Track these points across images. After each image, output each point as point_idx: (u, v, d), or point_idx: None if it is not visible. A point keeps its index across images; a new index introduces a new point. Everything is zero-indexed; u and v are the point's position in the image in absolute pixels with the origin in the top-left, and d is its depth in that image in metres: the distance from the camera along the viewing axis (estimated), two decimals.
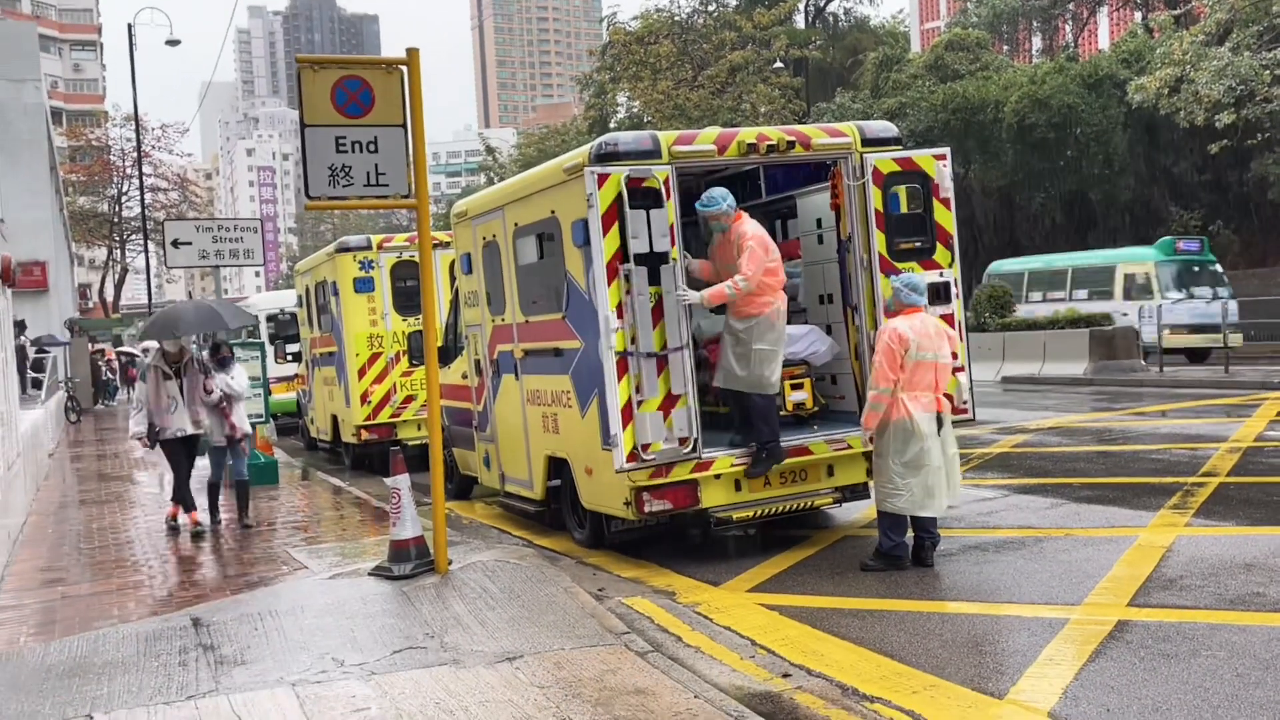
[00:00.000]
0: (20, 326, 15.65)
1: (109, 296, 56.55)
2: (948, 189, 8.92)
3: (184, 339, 11.27)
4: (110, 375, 36.48)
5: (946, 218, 8.90)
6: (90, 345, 36.14)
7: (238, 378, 11.47)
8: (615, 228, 7.94)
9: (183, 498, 11.17)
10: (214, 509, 11.40)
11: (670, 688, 5.67)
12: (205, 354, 11.86)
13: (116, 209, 53.02)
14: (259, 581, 8.65)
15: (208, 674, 6.27)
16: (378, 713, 5.50)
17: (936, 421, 7.83)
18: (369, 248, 15.16)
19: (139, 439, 11.11)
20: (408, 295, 14.94)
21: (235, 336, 16.18)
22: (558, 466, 9.47)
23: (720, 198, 8.51)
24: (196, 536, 10.77)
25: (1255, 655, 5.71)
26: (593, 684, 5.76)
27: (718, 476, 8.37)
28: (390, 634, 6.87)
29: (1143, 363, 22.56)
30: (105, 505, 13.58)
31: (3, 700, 6.01)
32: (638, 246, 7.92)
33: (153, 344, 41.39)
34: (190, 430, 11.01)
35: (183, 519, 11.23)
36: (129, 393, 41.55)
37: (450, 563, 8.44)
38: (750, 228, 8.50)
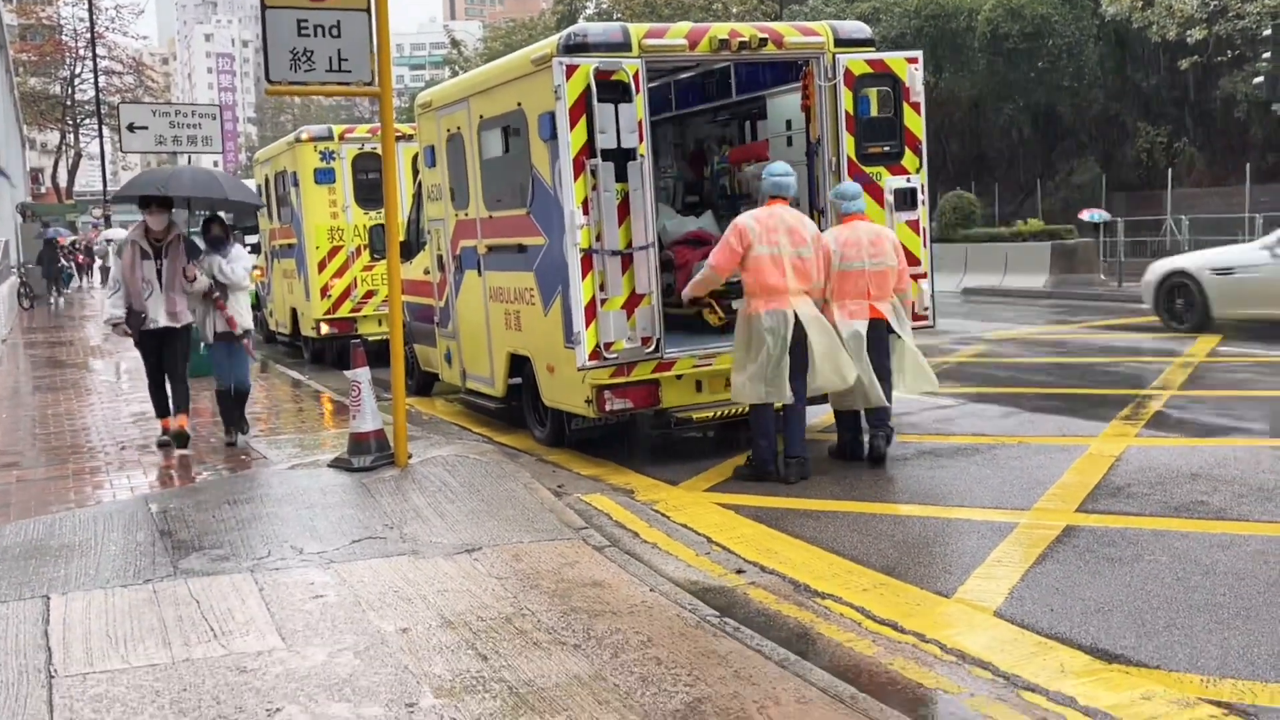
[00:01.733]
0: None
1: (62, 182, 55.30)
2: (918, 93, 8.84)
3: (171, 213, 9.27)
4: (65, 262, 35.82)
5: (916, 123, 8.83)
6: (42, 229, 35.42)
7: (236, 263, 9.30)
8: (582, 121, 7.80)
9: (156, 401, 9.55)
10: (230, 419, 9.60)
11: (626, 581, 5.75)
12: (195, 232, 10.26)
13: (69, 91, 51.55)
14: (217, 471, 8.64)
15: (165, 559, 6.28)
16: (335, 598, 5.54)
17: (870, 328, 7.90)
18: (330, 138, 14.86)
19: (117, 326, 9.25)
20: (369, 188, 14.71)
21: (238, 221, 14.23)
22: (519, 364, 9.46)
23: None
24: (166, 445, 9.41)
25: (1196, 560, 5.87)
26: (550, 576, 5.83)
27: (679, 377, 8.40)
28: (349, 524, 6.90)
29: (1102, 277, 22.77)
30: (60, 392, 13.45)
31: None
32: (605, 142, 7.80)
33: (117, 233, 40.03)
34: (164, 322, 9.10)
35: (174, 427, 9.44)
36: (84, 281, 40.67)
37: (410, 457, 8.45)
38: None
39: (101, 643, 5.07)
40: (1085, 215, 23.97)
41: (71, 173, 56.10)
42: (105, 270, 40.84)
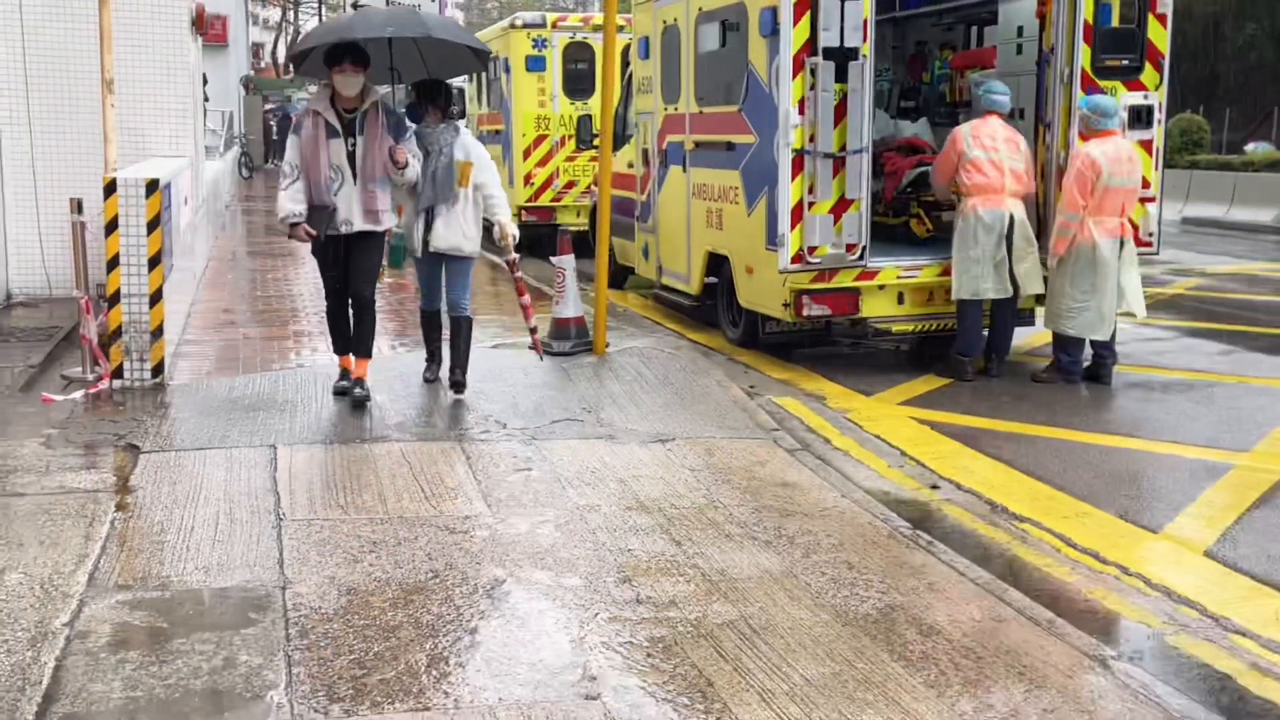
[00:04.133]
0: (203, 81, 16.05)
1: (280, 58, 57.47)
2: (1166, 3, 8.28)
3: (368, 73, 6.72)
4: (279, 134, 37.46)
5: (1160, 36, 8.29)
6: (262, 104, 37.01)
7: (468, 153, 6.93)
8: (806, 17, 7.62)
9: (335, 331, 7.18)
10: (435, 352, 7.54)
11: (818, 485, 5.77)
12: (404, 103, 7.92)
13: None
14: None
15: (379, 424, 6.62)
16: (537, 473, 5.75)
17: (1119, 246, 7.74)
18: (544, 25, 14.95)
19: (296, 226, 6.66)
20: (578, 78, 14.79)
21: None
22: (717, 263, 9.45)
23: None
24: (343, 394, 7.04)
25: None
26: (742, 473, 5.90)
27: (881, 287, 8.25)
28: (550, 404, 7.10)
29: None
30: (278, 259, 14.18)
31: (195, 424, 6.48)
32: (828, 40, 7.60)
33: (299, 96, 40.39)
34: (359, 225, 6.69)
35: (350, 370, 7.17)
36: None
37: (607, 346, 8.61)
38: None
39: (323, 492, 5.41)
40: None
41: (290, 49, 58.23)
42: (279, 145, 36.45)
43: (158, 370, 7.30)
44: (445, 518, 5.08)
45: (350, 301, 6.97)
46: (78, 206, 7.46)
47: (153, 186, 7.15)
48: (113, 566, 4.44)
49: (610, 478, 5.75)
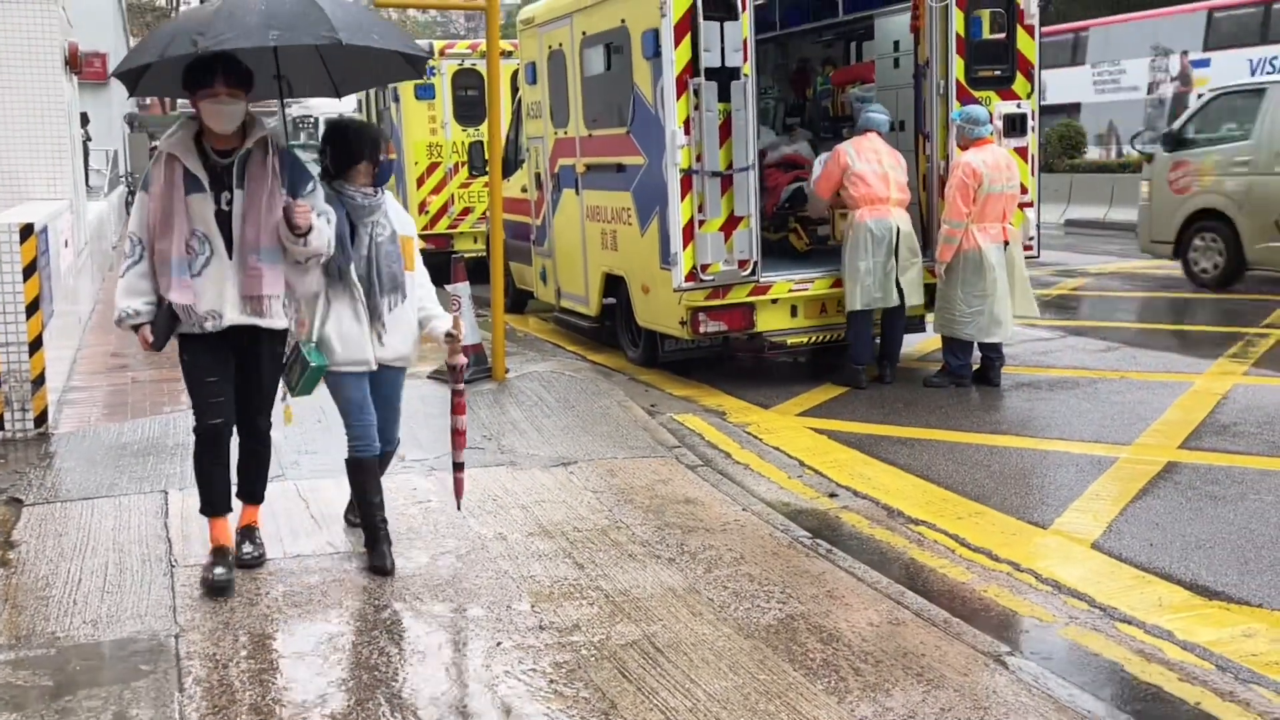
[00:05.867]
0: (83, 119, 15.66)
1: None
2: (1033, 15, 8.59)
3: (247, 96, 4.56)
4: None
5: (1029, 46, 8.58)
6: (149, 141, 36.21)
7: (403, 223, 4.93)
8: (687, 39, 7.73)
9: (206, 478, 4.82)
10: (366, 507, 4.98)
11: (719, 499, 5.82)
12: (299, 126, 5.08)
13: (174, 3, 52.28)
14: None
15: (272, 463, 6.49)
16: (437, 504, 5.70)
17: (1003, 250, 8.03)
18: (430, 54, 14.88)
19: (130, 326, 4.54)
20: (469, 105, 14.75)
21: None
22: (614, 284, 9.50)
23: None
24: (221, 585, 4.62)
25: None
26: (644, 491, 5.93)
27: (774, 301, 8.38)
28: (449, 434, 7.04)
29: None
30: None
31: (82, 474, 6.29)
32: (709, 60, 7.72)
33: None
34: (233, 317, 4.56)
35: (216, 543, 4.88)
36: None
37: (507, 371, 8.59)
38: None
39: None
40: None
41: None
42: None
43: (41, 420, 7.07)
44: (341, 554, 5.02)
45: (239, 432, 4.81)
46: None
47: (27, 231, 6.95)
48: None
49: (512, 504, 5.73)
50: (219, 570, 4.67)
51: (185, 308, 4.48)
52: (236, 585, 4.64)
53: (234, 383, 4.71)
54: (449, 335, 4.86)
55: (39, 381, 7.05)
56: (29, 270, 6.94)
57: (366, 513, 4.94)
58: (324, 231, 4.56)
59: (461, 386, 4.99)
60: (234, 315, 4.56)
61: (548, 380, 8.49)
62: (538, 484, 6.06)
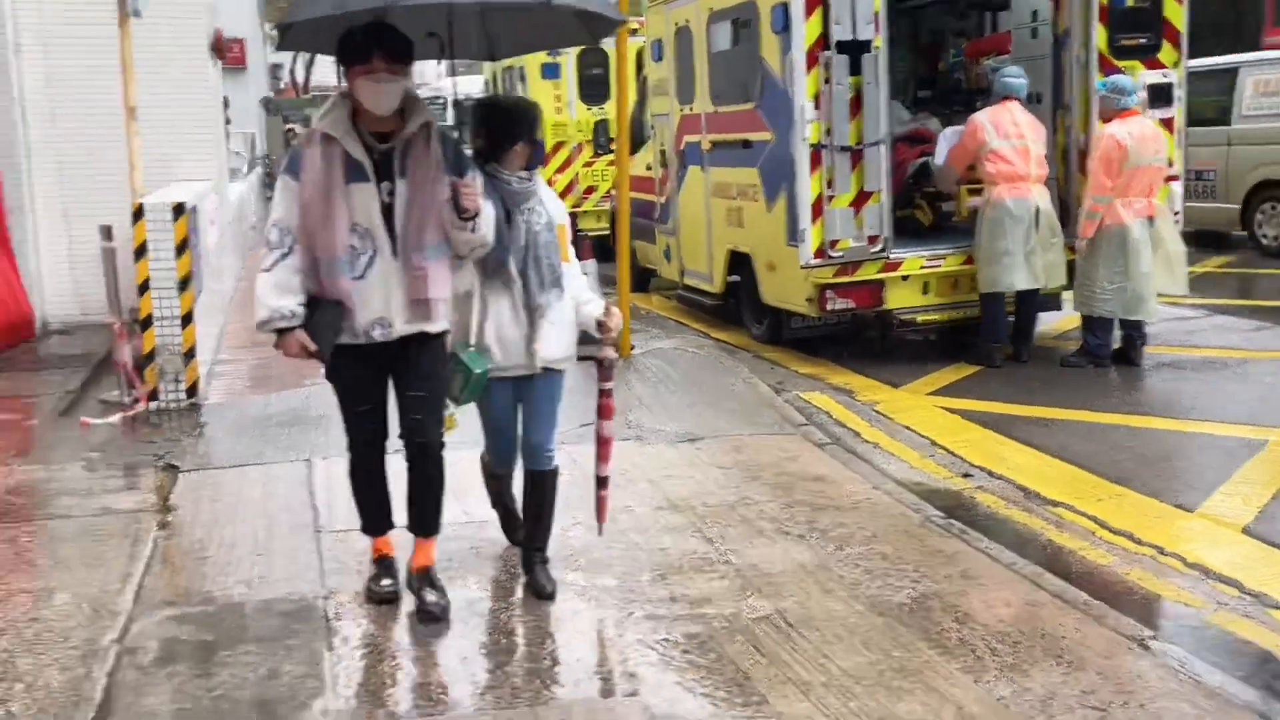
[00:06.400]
0: (224, 104, 16.21)
1: (299, 78, 57.99)
2: None
3: (410, 73, 4.09)
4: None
5: (1177, 12, 8.26)
6: (282, 124, 37.35)
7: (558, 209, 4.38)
8: (818, 12, 7.64)
9: (366, 499, 4.44)
10: (533, 541, 4.55)
11: (849, 478, 5.78)
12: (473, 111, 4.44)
13: None
14: None
15: None
16: (568, 476, 5.74)
17: (1149, 225, 7.73)
18: (625, 20, 14.95)
19: (285, 333, 3.97)
20: (594, 84, 14.82)
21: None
22: (739, 261, 9.47)
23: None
24: (387, 596, 4.34)
25: None
26: (771, 469, 5.92)
27: (905, 278, 8.25)
28: (577, 409, 7.09)
29: None
30: None
31: (231, 442, 6.57)
32: (840, 33, 7.62)
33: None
34: (404, 326, 4.04)
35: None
36: None
37: (633, 348, 8.66)
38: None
39: None
40: None
41: (308, 68, 58.75)
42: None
43: (192, 391, 7.40)
44: (478, 522, 5.13)
45: (406, 452, 4.23)
46: (107, 233, 7.58)
47: (179, 210, 7.26)
48: (157, 584, 4.53)
49: (640, 478, 5.78)
50: (385, 582, 4.32)
51: (340, 313, 3.94)
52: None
53: (388, 394, 4.21)
54: (600, 324, 4.26)
55: (190, 355, 7.36)
56: (181, 248, 7.25)
57: (509, 524, 4.77)
58: (492, 217, 4.04)
59: (610, 385, 4.34)
60: (403, 324, 4.00)
61: (672, 357, 8.53)
62: (664, 459, 6.11)
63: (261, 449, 6.39)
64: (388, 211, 3.95)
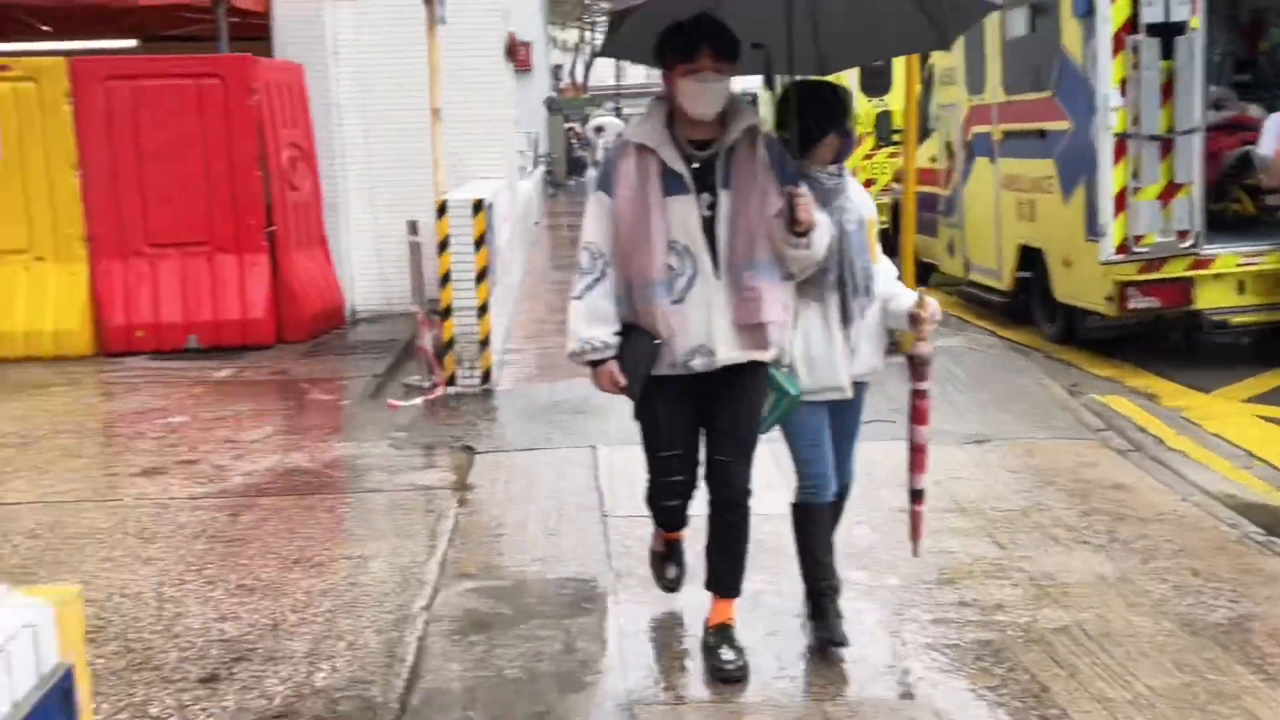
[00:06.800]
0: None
1: (578, 78, 60.12)
2: None
3: (734, 67, 3.56)
4: (582, 152, 39.10)
5: None
6: (563, 123, 38.75)
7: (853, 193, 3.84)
8: None
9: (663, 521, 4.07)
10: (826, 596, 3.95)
11: (1153, 487, 5.43)
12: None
13: None
14: None
15: None
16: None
17: None
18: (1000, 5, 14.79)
19: (589, 361, 3.65)
20: (875, 74, 14.55)
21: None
22: (1030, 256, 9.07)
23: None
24: (670, 589, 4.26)
25: None
26: (1067, 474, 5.64)
27: (1218, 276, 7.67)
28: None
29: None
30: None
31: (521, 427, 6.88)
32: (1151, 15, 7.15)
33: (611, 121, 40.14)
34: (729, 353, 3.58)
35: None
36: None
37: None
38: None
39: (642, 490, 5.60)
40: None
41: (587, 68, 60.85)
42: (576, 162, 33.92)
43: (486, 377, 7.80)
44: (760, 515, 5.13)
45: (710, 495, 3.79)
46: (413, 228, 8.10)
47: (478, 206, 7.66)
48: (459, 557, 4.80)
49: (926, 479, 5.62)
50: (671, 570, 4.15)
51: (666, 342, 3.54)
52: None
53: (699, 440, 3.75)
54: (913, 317, 3.76)
55: (485, 343, 7.77)
56: (479, 242, 7.65)
57: (812, 572, 3.92)
58: (827, 228, 3.57)
59: (925, 386, 3.85)
60: (729, 351, 3.55)
61: (957, 355, 8.27)
62: (952, 460, 5.92)
63: (550, 434, 6.65)
64: (708, 226, 3.55)
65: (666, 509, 3.91)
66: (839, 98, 3.82)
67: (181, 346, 9.15)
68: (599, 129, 36.95)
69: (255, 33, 10.61)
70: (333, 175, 10.63)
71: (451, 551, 4.84)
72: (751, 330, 3.56)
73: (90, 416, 7.37)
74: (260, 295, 9.33)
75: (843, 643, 3.79)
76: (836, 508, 4.03)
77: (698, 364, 3.56)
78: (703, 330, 3.54)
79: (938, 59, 10.80)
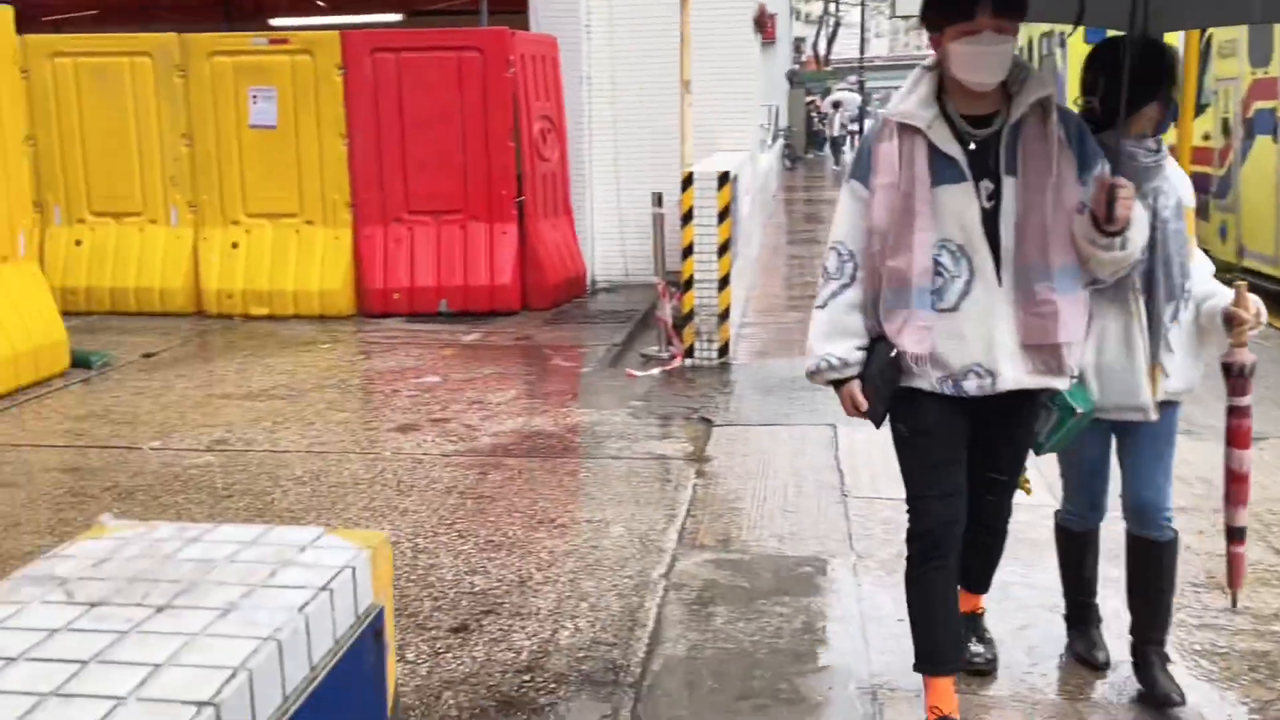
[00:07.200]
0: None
1: (821, 50, 59.22)
2: None
3: (1018, 23, 2.87)
4: (821, 126, 38.54)
5: None
6: (804, 95, 38.30)
7: (1171, 174, 3.18)
8: None
9: (928, 642, 3.19)
10: (1088, 608, 3.67)
11: None
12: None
13: None
14: None
15: None
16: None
17: None
18: None
19: (829, 380, 3.11)
20: None
21: None
22: None
23: None
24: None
25: None
26: None
27: None
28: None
29: None
30: (819, 247, 14.57)
31: (758, 401, 6.86)
32: None
33: (848, 96, 38.90)
34: (1014, 378, 2.94)
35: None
36: (836, 153, 39.64)
37: None
38: None
39: (884, 472, 5.47)
40: None
41: (830, 41, 59.84)
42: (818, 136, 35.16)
43: (723, 350, 7.81)
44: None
45: (968, 531, 3.20)
46: (658, 200, 8.17)
47: (724, 179, 7.65)
48: (697, 527, 4.83)
49: (1191, 476, 5.27)
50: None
51: (925, 359, 2.95)
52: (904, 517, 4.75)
53: (954, 458, 3.09)
54: (1229, 317, 3.08)
55: (724, 316, 7.77)
56: (723, 215, 7.65)
57: (1082, 598, 3.60)
58: (1145, 224, 2.96)
59: (1245, 402, 3.15)
60: (1015, 373, 2.94)
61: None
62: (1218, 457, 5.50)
63: (788, 410, 6.60)
64: (989, 220, 2.90)
65: (928, 552, 3.14)
66: (1167, 57, 3.14)
67: (433, 310, 9.60)
68: (836, 104, 36.38)
69: (513, 6, 10.95)
70: (579, 147, 10.85)
71: (690, 522, 4.88)
72: (1043, 351, 2.93)
73: (352, 373, 7.83)
74: (508, 263, 9.66)
75: (1175, 701, 3.27)
76: (1162, 553, 3.33)
77: (971, 386, 2.94)
78: (980, 346, 2.92)
79: (1216, 31, 10.02)
